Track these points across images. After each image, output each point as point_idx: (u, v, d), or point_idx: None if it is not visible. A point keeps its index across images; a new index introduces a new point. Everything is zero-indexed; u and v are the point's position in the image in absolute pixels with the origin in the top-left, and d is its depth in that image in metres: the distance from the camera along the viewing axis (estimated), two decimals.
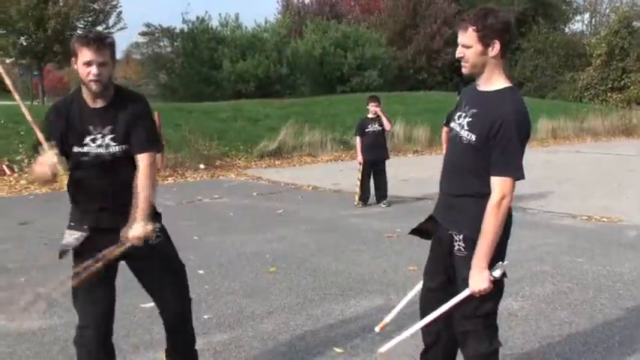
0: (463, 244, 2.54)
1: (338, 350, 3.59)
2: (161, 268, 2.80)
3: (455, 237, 2.56)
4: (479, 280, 2.45)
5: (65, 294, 2.68)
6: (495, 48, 2.43)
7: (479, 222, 2.43)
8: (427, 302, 2.75)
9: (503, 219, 2.42)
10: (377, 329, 2.97)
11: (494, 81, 2.50)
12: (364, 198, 8.50)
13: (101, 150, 2.67)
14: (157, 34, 32.17)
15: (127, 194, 2.64)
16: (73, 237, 2.70)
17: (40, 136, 2.57)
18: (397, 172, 10.16)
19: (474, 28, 2.43)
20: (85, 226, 2.69)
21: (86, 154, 2.66)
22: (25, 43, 24.72)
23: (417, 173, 11.34)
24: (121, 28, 26.19)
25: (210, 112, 16.13)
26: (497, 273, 2.46)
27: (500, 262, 2.49)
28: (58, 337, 3.80)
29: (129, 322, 3.90)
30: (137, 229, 2.59)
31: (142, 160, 2.69)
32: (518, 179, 2.43)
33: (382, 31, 29.05)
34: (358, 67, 25.46)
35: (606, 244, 6.10)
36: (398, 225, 6.77)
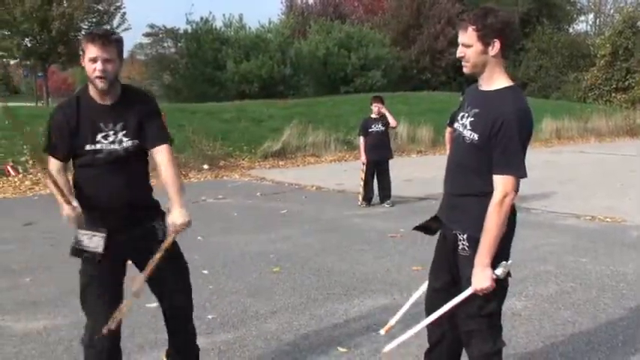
0: (467, 244, 2.54)
1: (342, 350, 3.60)
2: (167, 264, 2.82)
3: (459, 236, 2.57)
4: (481, 278, 2.45)
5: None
6: (495, 47, 2.44)
7: (482, 221, 2.44)
8: (432, 303, 2.76)
9: (506, 217, 2.43)
10: (382, 332, 2.95)
11: (495, 80, 2.51)
12: (368, 198, 8.50)
13: (115, 146, 2.66)
14: (160, 35, 32.17)
15: (137, 193, 2.63)
16: (94, 239, 2.64)
17: (60, 198, 2.54)
18: (401, 172, 10.16)
19: (474, 27, 2.44)
20: (101, 228, 2.64)
21: (99, 150, 2.65)
22: (29, 45, 24.82)
23: (421, 173, 11.34)
24: (125, 29, 26.38)
25: (214, 112, 16.15)
26: (499, 272, 2.46)
27: (504, 262, 2.49)
28: (63, 337, 3.82)
29: (134, 321, 3.90)
30: (183, 215, 2.59)
31: (162, 151, 2.69)
32: (520, 177, 2.44)
33: (386, 32, 29.05)
34: (362, 68, 25.45)
35: (610, 244, 6.10)
36: (401, 225, 6.77)
